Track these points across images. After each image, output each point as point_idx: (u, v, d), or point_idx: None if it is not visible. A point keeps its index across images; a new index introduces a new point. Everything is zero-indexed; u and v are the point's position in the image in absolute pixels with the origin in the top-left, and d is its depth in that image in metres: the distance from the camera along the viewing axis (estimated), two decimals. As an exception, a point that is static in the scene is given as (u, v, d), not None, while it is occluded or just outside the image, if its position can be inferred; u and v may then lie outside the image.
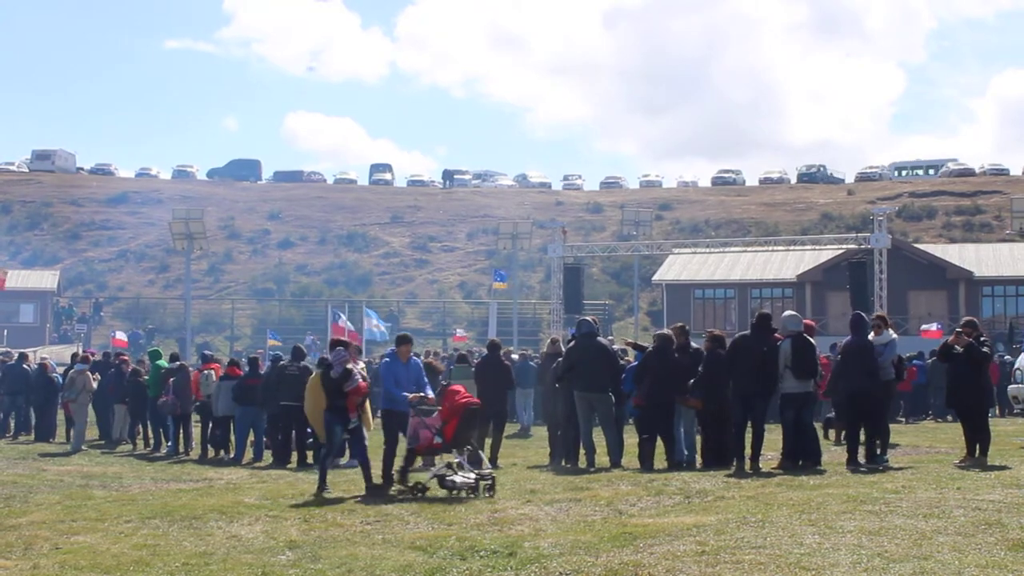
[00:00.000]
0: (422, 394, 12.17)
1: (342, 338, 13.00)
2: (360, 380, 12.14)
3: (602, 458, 14.22)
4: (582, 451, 14.52)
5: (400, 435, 12.58)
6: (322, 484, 11.86)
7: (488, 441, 15.09)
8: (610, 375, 14.20)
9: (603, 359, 14.15)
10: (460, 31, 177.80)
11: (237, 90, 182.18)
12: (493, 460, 15.17)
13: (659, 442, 13.81)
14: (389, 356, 12.82)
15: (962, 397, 13.20)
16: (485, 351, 18.08)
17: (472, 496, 11.11)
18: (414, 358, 12.79)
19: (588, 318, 15.23)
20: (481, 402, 15.31)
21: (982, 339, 13.20)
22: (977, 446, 12.88)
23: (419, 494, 11.34)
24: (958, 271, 45.10)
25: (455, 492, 11.27)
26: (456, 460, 11.69)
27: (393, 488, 11.89)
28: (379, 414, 13.30)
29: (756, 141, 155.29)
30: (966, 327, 13.26)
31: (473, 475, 11.48)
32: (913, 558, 7.08)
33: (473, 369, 17.41)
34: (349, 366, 12.06)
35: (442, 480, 11.47)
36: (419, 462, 12.05)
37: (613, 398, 14.24)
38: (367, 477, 11.98)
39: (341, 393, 11.99)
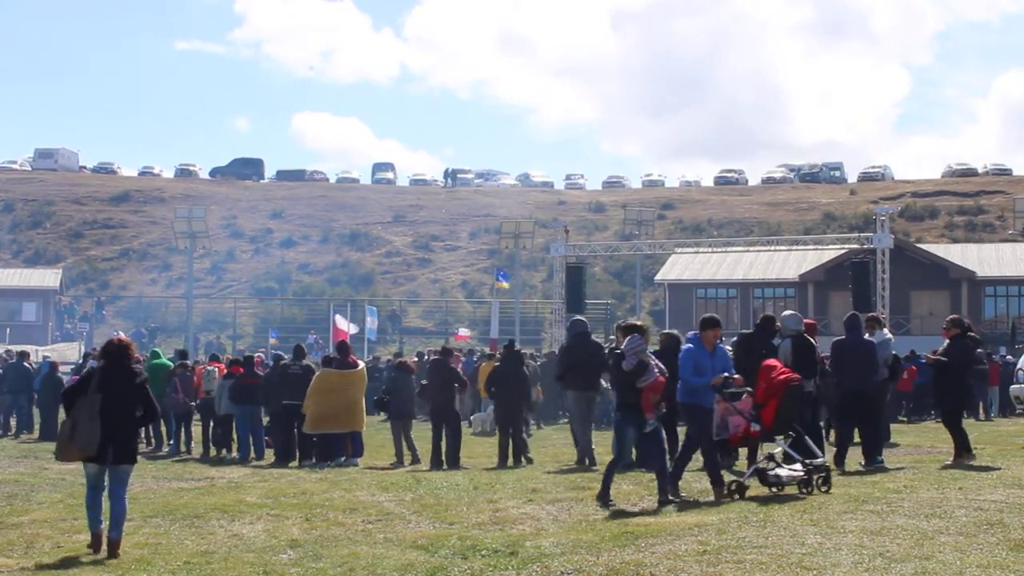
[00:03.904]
0: (727, 374, 10.44)
1: (635, 322, 10.98)
2: (658, 374, 10.31)
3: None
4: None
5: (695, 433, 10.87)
6: (605, 494, 10.23)
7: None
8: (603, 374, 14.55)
9: (600, 359, 14.43)
10: (468, 32, 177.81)
11: (246, 91, 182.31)
12: (455, 461, 15.30)
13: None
14: (691, 341, 10.82)
15: (939, 399, 13.56)
16: (491, 351, 18.28)
17: (805, 492, 9.88)
18: (720, 346, 10.86)
19: (580, 318, 15.50)
20: (432, 405, 15.61)
21: (968, 335, 13.31)
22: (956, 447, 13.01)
23: (737, 496, 10.02)
24: (960, 271, 45.07)
25: (781, 489, 9.99)
26: (778, 449, 10.15)
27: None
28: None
29: (761, 142, 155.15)
30: (952, 326, 13.42)
31: (801, 467, 9.99)
32: (915, 558, 7.07)
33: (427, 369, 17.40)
34: (645, 358, 10.26)
35: (764, 476, 10.06)
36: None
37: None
38: (662, 488, 10.23)
39: (634, 389, 10.25)
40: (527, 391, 15.81)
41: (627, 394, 10.29)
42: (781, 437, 10.35)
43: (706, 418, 10.44)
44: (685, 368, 10.53)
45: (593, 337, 15.52)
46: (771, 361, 10.76)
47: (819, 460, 10.21)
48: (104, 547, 8.47)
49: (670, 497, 10.15)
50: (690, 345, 10.73)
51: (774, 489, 10.01)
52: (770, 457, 10.09)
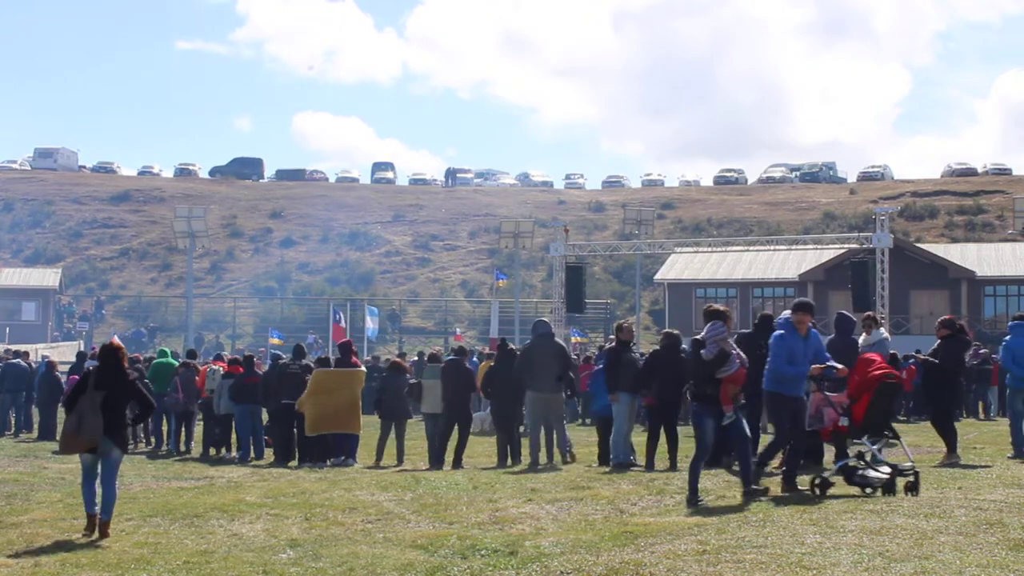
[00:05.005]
0: (828, 364, 9.89)
1: (718, 307, 10.09)
2: (740, 365, 9.73)
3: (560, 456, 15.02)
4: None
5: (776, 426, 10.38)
6: (693, 494, 9.76)
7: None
8: (564, 375, 14.85)
9: (559, 359, 14.74)
10: (469, 32, 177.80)
11: (247, 91, 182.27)
12: (459, 460, 15.31)
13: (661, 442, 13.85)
14: (783, 326, 10.05)
15: (931, 399, 13.71)
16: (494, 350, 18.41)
17: (888, 495, 9.52)
18: (814, 331, 10.13)
19: (544, 319, 16.07)
20: (444, 405, 15.71)
21: (959, 336, 13.34)
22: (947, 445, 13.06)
23: (819, 491, 9.66)
24: (960, 271, 45.09)
25: (867, 490, 9.59)
26: (868, 449, 9.74)
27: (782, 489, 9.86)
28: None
29: (761, 142, 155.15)
30: (941, 327, 13.46)
31: (888, 469, 9.62)
32: (914, 558, 7.07)
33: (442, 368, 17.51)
34: (726, 347, 9.68)
35: (850, 475, 9.66)
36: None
37: (565, 396, 15.17)
38: (746, 479, 9.89)
39: (713, 380, 9.67)
40: (522, 390, 15.85)
41: (705, 385, 9.71)
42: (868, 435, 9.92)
43: (796, 408, 9.94)
44: (778, 356, 9.79)
45: (557, 339, 15.98)
46: (870, 355, 10.27)
47: (906, 464, 9.81)
48: (96, 530, 9.30)
49: (753, 488, 9.80)
50: (782, 331, 9.95)
51: (866, 490, 9.68)
52: (859, 456, 9.73)
